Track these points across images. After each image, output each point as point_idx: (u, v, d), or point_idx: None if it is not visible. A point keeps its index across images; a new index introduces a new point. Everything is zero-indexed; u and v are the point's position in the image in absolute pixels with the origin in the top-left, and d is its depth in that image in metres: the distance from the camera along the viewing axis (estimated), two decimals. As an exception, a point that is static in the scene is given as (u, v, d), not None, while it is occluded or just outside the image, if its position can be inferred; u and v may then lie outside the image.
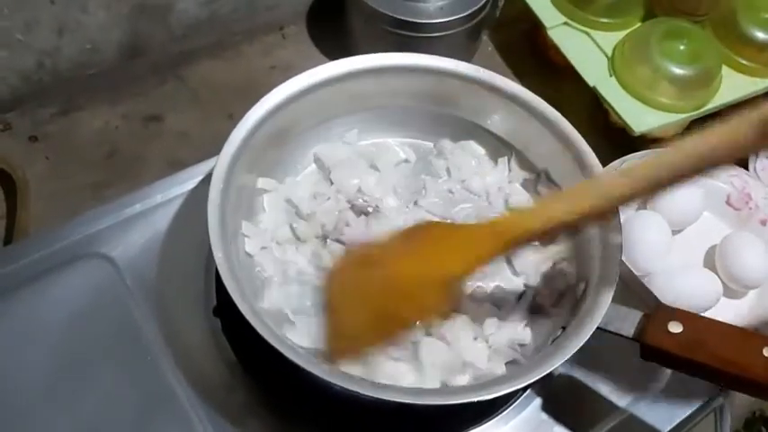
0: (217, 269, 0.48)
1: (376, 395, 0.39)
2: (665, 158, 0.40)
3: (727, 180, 0.69)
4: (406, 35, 0.69)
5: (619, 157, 0.69)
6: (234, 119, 0.68)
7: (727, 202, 0.69)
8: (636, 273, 0.57)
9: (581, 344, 0.41)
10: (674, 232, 0.65)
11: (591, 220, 0.45)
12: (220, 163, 0.46)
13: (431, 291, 0.42)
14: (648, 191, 0.44)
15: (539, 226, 0.42)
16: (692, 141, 0.39)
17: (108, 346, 0.47)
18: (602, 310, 0.42)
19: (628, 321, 0.43)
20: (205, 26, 0.72)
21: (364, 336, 0.43)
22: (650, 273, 0.63)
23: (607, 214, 0.45)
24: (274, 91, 0.49)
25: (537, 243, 0.49)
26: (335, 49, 0.73)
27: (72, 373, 0.46)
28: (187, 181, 0.54)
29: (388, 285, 0.43)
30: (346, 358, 0.43)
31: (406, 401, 0.40)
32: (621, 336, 0.42)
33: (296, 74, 0.50)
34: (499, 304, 0.48)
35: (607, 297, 0.43)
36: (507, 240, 0.42)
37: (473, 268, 0.43)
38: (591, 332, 0.42)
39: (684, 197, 0.66)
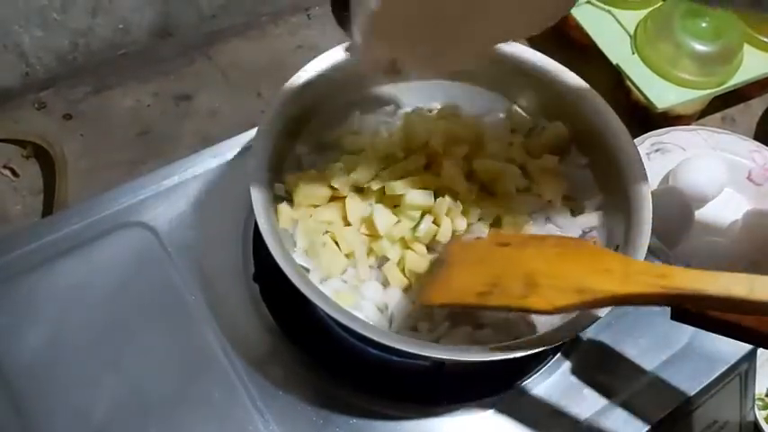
0: (255, 236, 0.50)
1: (417, 351, 0.40)
2: None
3: (749, 156, 0.70)
4: (430, 14, 0.70)
5: (640, 135, 0.71)
6: (262, 97, 0.70)
7: (749, 178, 0.70)
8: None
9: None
10: (697, 207, 0.66)
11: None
12: (260, 132, 0.47)
13: (554, 293, 0.40)
14: None
15: (712, 293, 0.37)
16: None
17: (150, 312, 0.48)
18: (632, 273, 0.43)
19: (658, 284, 0.43)
20: (233, 7, 0.74)
21: (466, 292, 0.43)
22: (673, 247, 0.64)
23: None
24: (311, 63, 0.50)
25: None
26: (360, 30, 0.75)
27: (116, 338, 0.47)
28: (223, 153, 0.55)
29: (515, 262, 0.43)
30: (439, 302, 0.44)
31: (444, 357, 0.41)
32: (652, 297, 0.43)
33: (321, 54, 0.51)
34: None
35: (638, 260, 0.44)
36: (665, 293, 0.39)
37: (606, 303, 0.41)
38: (622, 294, 0.43)
39: (707, 173, 0.67)
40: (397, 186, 0.48)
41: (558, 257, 0.43)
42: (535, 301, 0.41)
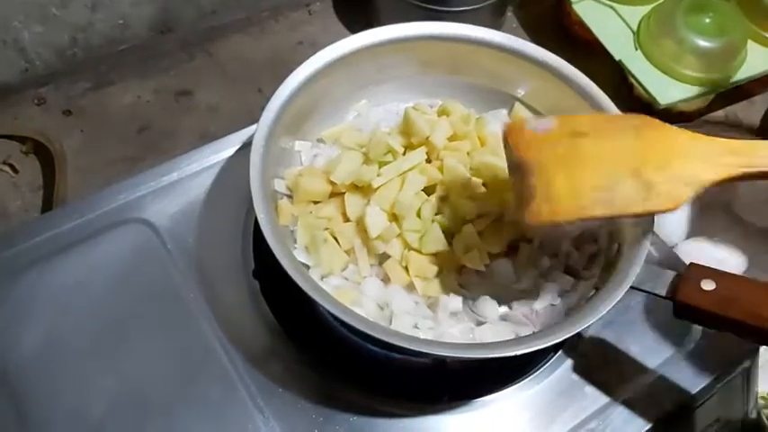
0: (255, 232, 0.50)
1: (418, 348, 0.40)
2: None
3: (752, 153, 0.70)
4: (431, 9, 0.70)
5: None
6: (263, 93, 0.70)
7: (751, 175, 0.69)
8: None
9: (615, 302, 0.42)
10: (697, 205, 0.66)
11: None
12: (260, 129, 0.47)
13: (671, 188, 0.40)
14: None
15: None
16: None
17: (150, 309, 0.48)
18: (635, 270, 0.43)
19: (660, 281, 0.43)
20: (233, 2, 0.73)
21: (580, 202, 0.40)
22: (676, 244, 0.64)
23: None
24: (312, 59, 0.50)
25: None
26: (361, 26, 0.73)
27: (115, 335, 0.47)
28: (222, 150, 0.55)
29: (611, 158, 0.41)
30: (543, 221, 0.40)
31: (445, 354, 0.41)
32: (655, 295, 0.43)
33: (322, 50, 0.51)
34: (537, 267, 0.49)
35: (640, 257, 0.44)
36: (746, 173, 0.41)
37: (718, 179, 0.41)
38: (624, 291, 0.43)
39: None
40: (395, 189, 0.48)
41: (647, 147, 0.42)
42: (660, 202, 0.41)
